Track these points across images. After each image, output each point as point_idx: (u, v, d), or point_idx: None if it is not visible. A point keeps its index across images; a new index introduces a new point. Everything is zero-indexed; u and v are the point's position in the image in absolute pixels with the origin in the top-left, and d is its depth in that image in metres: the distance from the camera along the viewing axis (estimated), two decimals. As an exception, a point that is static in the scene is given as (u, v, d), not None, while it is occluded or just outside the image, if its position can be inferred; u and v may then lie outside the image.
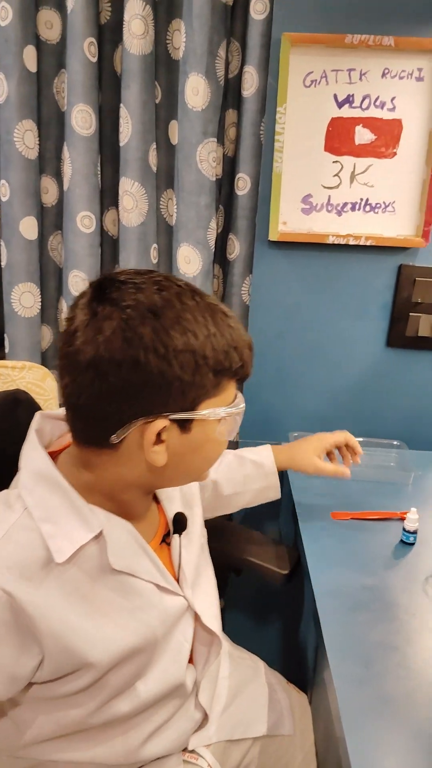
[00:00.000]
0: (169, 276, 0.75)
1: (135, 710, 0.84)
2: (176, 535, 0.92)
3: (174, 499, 0.96)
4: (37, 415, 0.84)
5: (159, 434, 0.74)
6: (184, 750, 0.97)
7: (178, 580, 0.90)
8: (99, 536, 0.78)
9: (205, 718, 0.98)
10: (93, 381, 0.70)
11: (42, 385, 1.10)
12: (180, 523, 0.92)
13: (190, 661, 0.95)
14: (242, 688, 1.10)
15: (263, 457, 1.22)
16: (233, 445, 1.56)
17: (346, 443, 1.26)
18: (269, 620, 1.79)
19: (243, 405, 0.80)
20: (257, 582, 1.72)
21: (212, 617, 0.94)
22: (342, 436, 1.26)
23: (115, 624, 0.78)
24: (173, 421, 0.74)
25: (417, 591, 1.05)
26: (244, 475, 1.20)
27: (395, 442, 1.56)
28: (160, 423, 0.72)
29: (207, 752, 0.98)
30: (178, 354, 0.70)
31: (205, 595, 0.95)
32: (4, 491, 0.79)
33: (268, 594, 1.76)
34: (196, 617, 0.92)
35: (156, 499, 0.95)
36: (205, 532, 1.05)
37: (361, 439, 1.56)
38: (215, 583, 1.02)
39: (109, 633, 0.78)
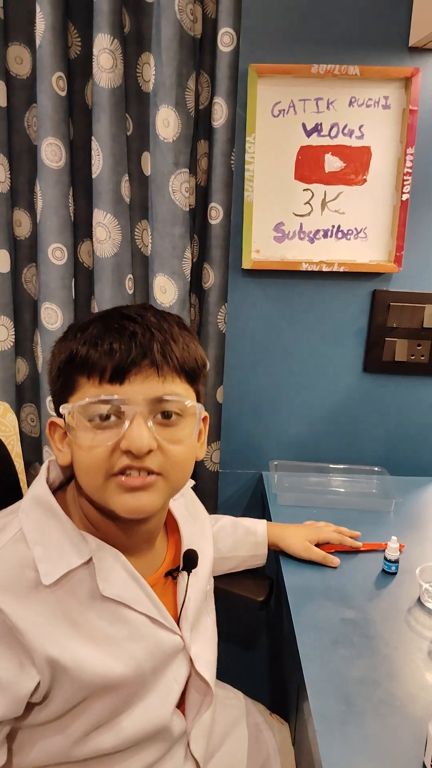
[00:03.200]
0: (142, 305, 0.84)
1: (117, 746, 0.81)
2: (184, 572, 0.91)
3: (192, 538, 0.96)
4: (47, 461, 0.88)
5: (62, 434, 0.81)
6: None
7: (179, 619, 0.88)
8: (89, 563, 0.79)
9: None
10: None
11: (2, 420, 1.08)
12: (190, 560, 0.91)
13: (181, 708, 0.92)
14: (229, 732, 1.07)
15: (257, 525, 1.22)
16: (213, 475, 1.54)
17: (340, 532, 1.25)
18: (253, 650, 1.75)
19: (85, 400, 0.75)
20: (240, 612, 1.69)
21: (206, 664, 0.91)
22: (336, 536, 1.23)
23: (101, 651, 0.77)
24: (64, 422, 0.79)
25: (399, 623, 1.03)
26: (234, 541, 1.19)
27: (376, 468, 1.55)
28: (53, 418, 0.81)
29: None
30: (52, 354, 0.81)
31: (203, 641, 0.93)
32: (3, 513, 0.83)
33: (250, 624, 1.72)
34: (191, 662, 0.89)
35: (170, 534, 0.95)
36: (212, 580, 1.04)
37: (342, 466, 1.55)
38: (215, 633, 1.00)
39: (94, 659, 0.76)
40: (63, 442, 0.81)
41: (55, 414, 0.81)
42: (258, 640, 1.74)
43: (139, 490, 0.76)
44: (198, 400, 0.83)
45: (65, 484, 0.88)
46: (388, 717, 0.84)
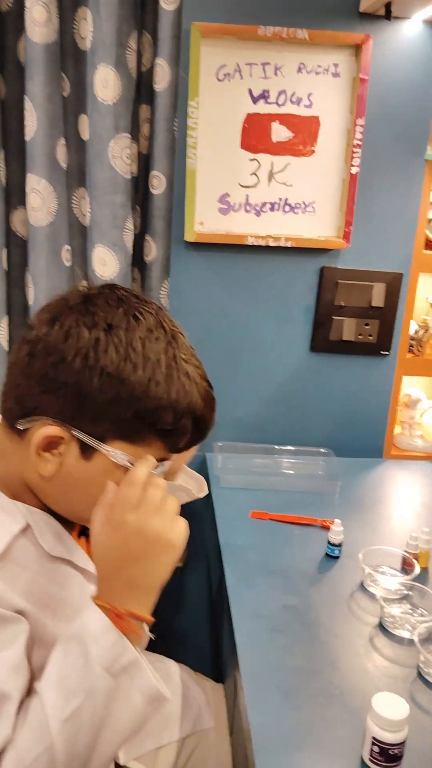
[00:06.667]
0: (159, 308, 0.75)
1: None
2: None
3: None
4: None
5: (56, 443, 0.71)
6: (116, 766, 0.95)
7: None
8: (26, 529, 0.76)
9: None
10: (26, 357, 0.71)
11: None
12: None
13: None
14: None
15: None
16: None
17: None
18: (193, 629, 1.71)
19: (156, 469, 0.74)
20: (183, 594, 1.66)
21: None
22: None
23: (51, 613, 0.75)
24: (76, 438, 0.71)
25: (341, 608, 1.00)
26: None
27: (322, 450, 1.52)
28: (57, 431, 0.70)
29: (138, 764, 0.96)
30: (104, 374, 0.68)
31: None
32: None
33: (172, 589, 1.68)
34: None
35: None
36: None
37: (288, 447, 1.52)
38: None
39: (45, 620, 0.73)
40: (53, 452, 0.72)
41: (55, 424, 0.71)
42: (180, 606, 1.70)
43: None
44: None
45: None
46: (327, 708, 0.80)
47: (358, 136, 1.31)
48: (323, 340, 1.47)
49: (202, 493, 1.14)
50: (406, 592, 1.03)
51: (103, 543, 0.70)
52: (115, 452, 0.71)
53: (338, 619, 0.97)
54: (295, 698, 0.81)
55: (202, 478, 1.15)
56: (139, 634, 0.68)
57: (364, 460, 1.56)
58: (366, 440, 1.58)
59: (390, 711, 0.70)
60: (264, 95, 1.27)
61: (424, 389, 1.68)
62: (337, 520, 1.14)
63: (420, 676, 0.87)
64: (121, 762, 0.97)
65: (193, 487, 1.12)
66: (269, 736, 0.76)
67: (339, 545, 1.13)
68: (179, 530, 0.71)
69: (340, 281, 1.42)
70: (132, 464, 0.72)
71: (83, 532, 0.87)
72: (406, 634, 0.94)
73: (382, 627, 0.96)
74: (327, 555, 1.14)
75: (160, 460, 0.76)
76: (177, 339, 0.74)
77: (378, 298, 1.44)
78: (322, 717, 0.79)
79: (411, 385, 1.66)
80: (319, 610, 0.99)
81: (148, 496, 0.70)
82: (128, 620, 0.67)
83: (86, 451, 0.71)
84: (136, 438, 0.72)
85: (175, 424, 0.72)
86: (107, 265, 1.36)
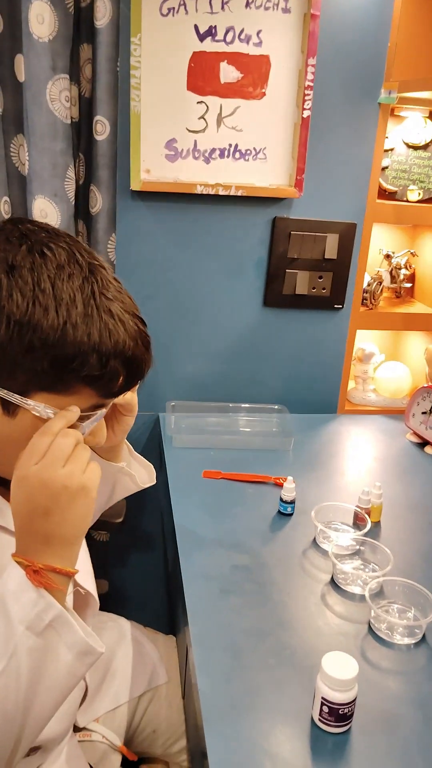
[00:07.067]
0: (73, 241, 0.68)
1: None
2: None
3: None
4: None
5: None
6: (76, 730, 0.97)
7: None
8: None
9: (86, 691, 0.98)
10: None
11: None
12: None
13: None
14: (113, 654, 1.08)
15: None
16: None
17: None
18: (146, 586, 1.71)
19: (86, 427, 0.71)
20: (136, 551, 1.64)
21: (84, 573, 0.86)
22: None
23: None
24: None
25: (293, 566, 0.99)
26: None
27: (276, 407, 1.49)
28: None
29: (98, 726, 0.99)
30: (11, 322, 0.62)
31: None
32: None
33: (146, 562, 1.67)
34: None
35: None
36: None
37: (242, 405, 1.49)
38: (84, 545, 0.94)
39: None
40: None
41: None
42: (133, 564, 1.69)
43: None
44: None
45: None
46: (277, 668, 0.79)
47: (310, 77, 1.24)
48: (276, 294, 1.43)
49: (151, 482, 1.09)
50: (358, 547, 1.02)
51: (14, 497, 0.65)
52: (37, 405, 0.66)
53: (290, 578, 0.96)
54: (246, 660, 0.80)
55: (152, 466, 1.11)
56: (62, 589, 0.65)
57: (318, 416, 1.54)
58: (320, 396, 1.56)
59: (339, 671, 0.69)
60: (211, 32, 1.19)
61: (378, 343, 1.66)
62: (289, 477, 1.12)
63: (371, 631, 0.86)
64: (80, 725, 0.98)
65: (142, 475, 1.07)
66: (218, 698, 0.74)
67: (291, 502, 1.11)
68: (90, 475, 0.66)
69: (292, 232, 1.38)
70: (51, 413, 0.67)
71: None
72: (357, 590, 0.94)
73: (334, 583, 0.96)
74: (279, 513, 1.12)
75: (96, 406, 0.71)
76: (96, 273, 0.67)
77: (331, 249, 1.40)
78: (272, 677, 0.78)
79: (364, 339, 1.64)
80: (271, 569, 0.98)
81: (55, 446, 0.65)
82: (47, 575, 0.63)
83: (8, 407, 0.66)
84: (61, 388, 0.66)
85: (102, 368, 0.66)
86: (48, 217, 1.29)
